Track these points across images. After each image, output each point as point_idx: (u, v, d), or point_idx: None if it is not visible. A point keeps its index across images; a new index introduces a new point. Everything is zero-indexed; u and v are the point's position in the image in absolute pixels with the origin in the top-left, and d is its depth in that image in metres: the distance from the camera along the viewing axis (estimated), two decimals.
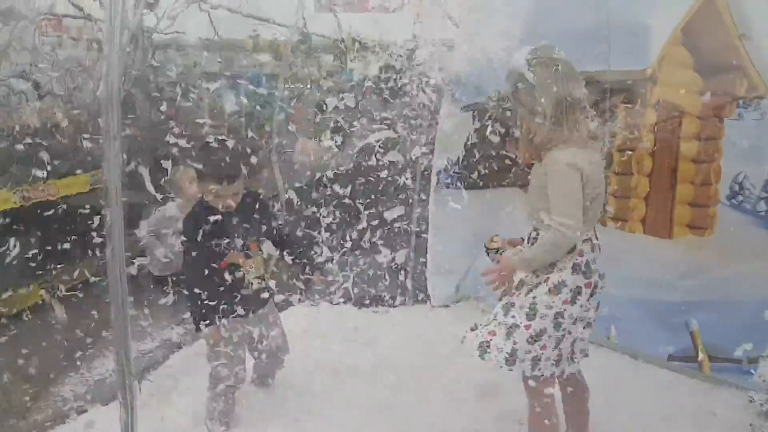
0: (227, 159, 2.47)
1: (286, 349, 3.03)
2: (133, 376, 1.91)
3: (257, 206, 2.71)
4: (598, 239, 2.37)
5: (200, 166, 2.50)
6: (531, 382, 2.40)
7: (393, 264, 4.41)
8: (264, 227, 2.72)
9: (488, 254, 2.52)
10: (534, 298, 2.30)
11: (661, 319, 3.43)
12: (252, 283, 2.61)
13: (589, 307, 2.37)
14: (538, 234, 2.30)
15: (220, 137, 2.51)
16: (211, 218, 2.52)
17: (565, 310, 2.27)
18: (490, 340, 2.37)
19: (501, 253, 2.44)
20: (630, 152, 3.55)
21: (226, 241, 2.58)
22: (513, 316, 2.33)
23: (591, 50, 3.52)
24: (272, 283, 2.71)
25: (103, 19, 1.65)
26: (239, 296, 2.61)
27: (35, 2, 3.25)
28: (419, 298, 4.44)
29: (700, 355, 3.28)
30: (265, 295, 2.70)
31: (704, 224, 3.35)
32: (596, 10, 3.43)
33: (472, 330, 2.48)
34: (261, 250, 2.68)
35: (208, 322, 2.60)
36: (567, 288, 2.26)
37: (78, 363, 3.54)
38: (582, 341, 2.48)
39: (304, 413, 2.98)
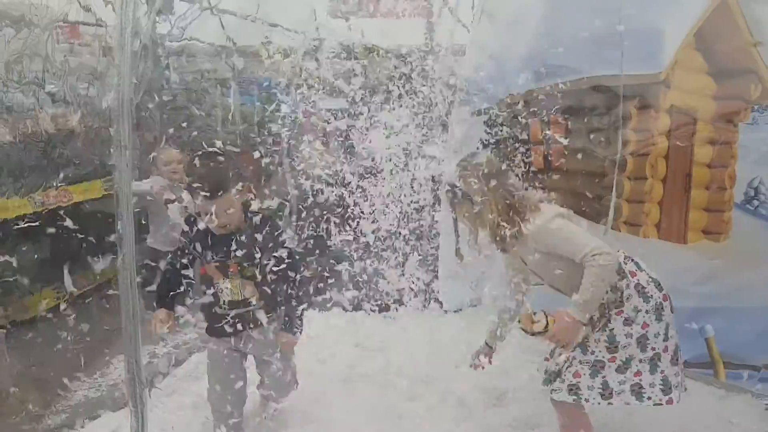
0: (215, 172, 2.32)
1: (288, 387, 2.84)
2: (143, 384, 1.92)
3: (264, 229, 2.52)
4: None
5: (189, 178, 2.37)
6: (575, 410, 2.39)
7: (404, 270, 4.39)
8: (263, 252, 2.51)
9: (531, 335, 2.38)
10: (612, 330, 2.31)
11: (676, 326, 3.38)
12: (224, 305, 2.53)
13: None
14: None
15: (211, 149, 2.40)
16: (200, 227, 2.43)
17: (647, 331, 2.31)
18: (578, 382, 2.36)
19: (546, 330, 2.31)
20: (644, 156, 3.52)
21: (212, 254, 2.48)
22: (593, 353, 2.34)
23: (604, 55, 3.50)
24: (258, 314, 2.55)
25: (115, 27, 1.66)
26: (212, 311, 2.55)
27: (47, 10, 3.28)
28: (431, 304, 4.42)
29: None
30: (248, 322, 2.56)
31: (719, 229, 3.30)
32: (609, 15, 3.41)
33: (553, 370, 2.48)
34: (241, 274, 2.50)
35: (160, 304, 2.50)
36: (642, 312, 2.30)
37: (90, 369, 3.56)
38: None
39: (315, 420, 2.97)
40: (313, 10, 6.09)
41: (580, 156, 3.84)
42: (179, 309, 2.51)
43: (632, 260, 2.42)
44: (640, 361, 2.32)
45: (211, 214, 2.32)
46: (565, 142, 3.85)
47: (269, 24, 6.24)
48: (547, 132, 3.91)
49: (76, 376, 3.48)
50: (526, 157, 4.04)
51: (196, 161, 2.33)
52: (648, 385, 2.32)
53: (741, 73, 3.12)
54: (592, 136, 3.76)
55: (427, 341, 3.81)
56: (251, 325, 2.57)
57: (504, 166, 2.45)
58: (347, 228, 4.09)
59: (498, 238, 2.38)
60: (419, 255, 4.44)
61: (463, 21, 4.84)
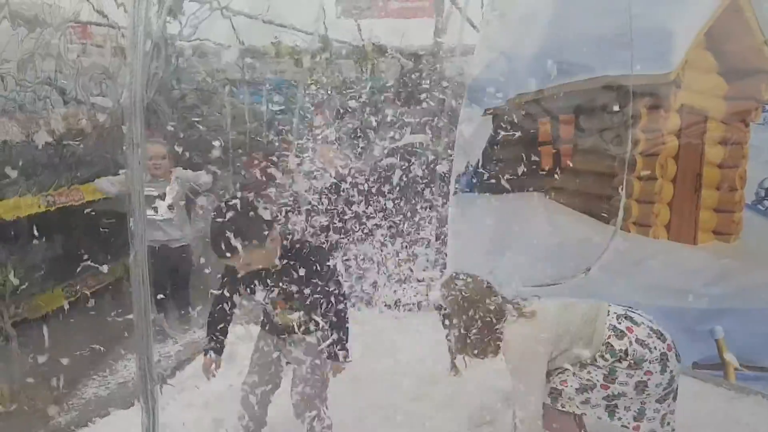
0: (224, 235, 2.17)
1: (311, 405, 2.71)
2: (154, 381, 1.93)
3: (310, 259, 2.42)
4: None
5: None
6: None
7: (412, 269, 4.39)
8: (311, 283, 2.41)
9: None
10: (614, 364, 2.31)
11: (686, 327, 3.37)
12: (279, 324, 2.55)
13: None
14: None
15: (224, 205, 2.23)
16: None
17: (649, 379, 2.30)
18: (562, 389, 2.38)
19: None
20: (653, 156, 3.51)
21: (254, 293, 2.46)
22: (589, 372, 2.34)
23: (614, 56, 3.49)
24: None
25: (127, 27, 1.68)
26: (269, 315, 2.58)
27: (60, 10, 3.30)
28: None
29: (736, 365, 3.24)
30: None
31: (729, 230, 3.29)
32: (619, 15, 3.40)
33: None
34: (290, 308, 2.49)
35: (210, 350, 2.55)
36: (647, 361, 2.29)
37: (101, 366, 3.59)
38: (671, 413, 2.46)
39: None
40: (323, 10, 6.11)
41: (589, 156, 3.83)
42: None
43: (626, 317, 2.38)
44: (631, 398, 2.33)
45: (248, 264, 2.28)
46: (574, 142, 3.85)
47: (278, 24, 6.26)
48: (557, 131, 3.90)
49: (87, 374, 3.51)
50: (536, 157, 4.03)
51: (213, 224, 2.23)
52: (623, 408, 2.35)
53: (752, 72, 3.11)
54: (601, 136, 3.75)
55: (434, 341, 3.80)
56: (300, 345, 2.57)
57: (485, 285, 2.52)
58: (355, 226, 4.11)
59: (477, 352, 2.50)
60: (428, 254, 4.45)
61: (473, 21, 4.84)
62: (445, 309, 2.51)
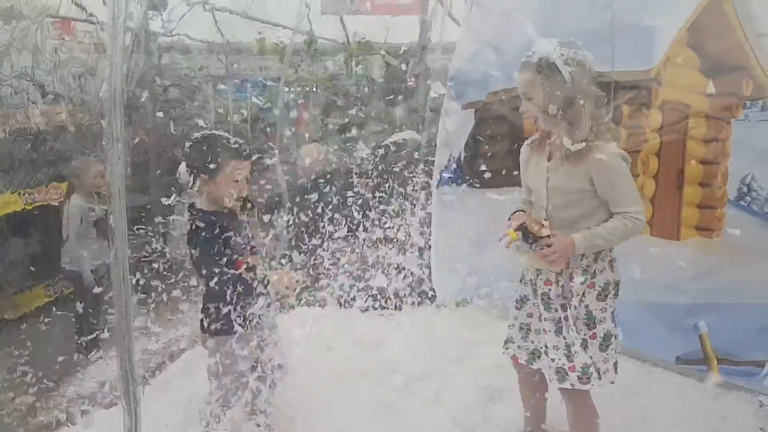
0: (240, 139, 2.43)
1: (283, 370, 2.73)
2: (136, 382, 1.89)
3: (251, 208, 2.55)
4: None
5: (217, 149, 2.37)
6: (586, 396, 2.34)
7: (398, 266, 4.38)
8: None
9: (529, 240, 2.26)
10: (587, 306, 2.27)
11: (670, 322, 3.39)
12: (267, 281, 2.40)
13: None
14: None
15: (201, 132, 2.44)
16: (217, 223, 2.37)
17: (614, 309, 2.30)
18: (563, 365, 2.30)
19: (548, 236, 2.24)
20: (635, 153, 3.53)
21: (237, 241, 2.42)
22: (573, 331, 2.28)
23: (596, 51, 3.49)
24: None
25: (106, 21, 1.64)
26: (254, 301, 2.44)
27: (37, 2, 3.23)
28: (425, 300, 4.40)
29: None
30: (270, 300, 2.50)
31: (712, 226, 3.31)
32: (602, 11, 3.41)
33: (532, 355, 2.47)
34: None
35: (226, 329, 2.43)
36: (611, 285, 2.28)
37: (82, 365, 3.53)
38: None
39: (310, 416, 2.95)
40: (307, 6, 6.08)
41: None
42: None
43: None
44: (616, 338, 2.29)
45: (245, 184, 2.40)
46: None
47: (261, 21, 6.22)
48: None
49: (68, 373, 3.46)
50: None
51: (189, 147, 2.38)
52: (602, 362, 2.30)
53: (733, 69, 3.13)
54: None
55: (422, 338, 3.81)
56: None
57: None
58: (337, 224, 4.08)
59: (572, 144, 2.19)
60: (412, 251, 4.43)
61: (456, 16, 4.84)
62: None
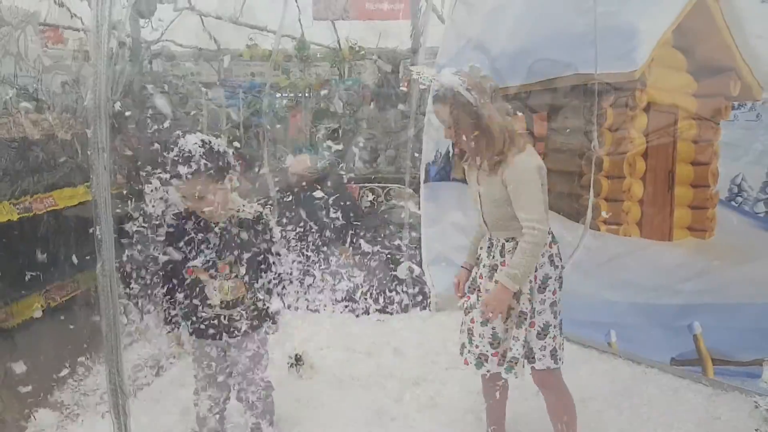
0: (184, 155, 2.26)
1: (266, 411, 2.70)
2: (125, 395, 1.87)
3: (256, 226, 2.49)
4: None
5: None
6: (550, 377, 2.48)
7: (392, 271, 4.37)
8: (247, 252, 2.47)
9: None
10: (529, 299, 2.40)
11: (663, 323, 3.39)
12: (214, 306, 2.46)
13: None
14: (501, 242, 2.45)
15: (192, 140, 2.30)
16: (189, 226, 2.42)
17: (558, 299, 2.44)
18: (486, 351, 2.47)
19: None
20: (621, 155, 3.54)
21: (200, 250, 2.43)
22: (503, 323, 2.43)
23: (583, 53, 3.51)
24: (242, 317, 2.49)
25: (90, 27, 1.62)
26: (202, 314, 2.48)
27: (18, 10, 3.20)
28: (419, 305, 4.39)
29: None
30: (239, 325, 2.49)
31: (704, 226, 3.31)
32: (586, 13, 3.42)
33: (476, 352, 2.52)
34: (231, 273, 2.46)
35: (170, 327, 2.53)
36: (551, 279, 2.42)
37: (73, 375, 3.50)
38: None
39: (304, 422, 2.95)
40: (298, 13, 6.09)
41: (558, 155, 3.86)
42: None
43: (552, 235, 2.49)
44: (554, 327, 2.43)
45: (195, 201, 2.32)
46: (545, 139, 3.88)
47: (249, 27, 6.22)
48: (530, 129, 3.93)
49: (59, 382, 3.42)
50: None
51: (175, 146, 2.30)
52: (560, 349, 2.46)
53: (721, 70, 3.13)
54: (569, 135, 3.77)
55: (416, 343, 3.79)
56: (239, 327, 2.51)
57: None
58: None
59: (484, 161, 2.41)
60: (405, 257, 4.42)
61: (443, 17, 4.85)
62: (458, 92, 2.37)
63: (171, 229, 2.45)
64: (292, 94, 6.73)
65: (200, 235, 2.42)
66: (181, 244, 2.42)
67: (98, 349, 3.42)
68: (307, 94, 6.65)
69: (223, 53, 6.63)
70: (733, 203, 3.18)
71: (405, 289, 4.26)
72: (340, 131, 6.19)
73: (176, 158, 2.25)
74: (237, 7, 5.93)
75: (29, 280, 3.66)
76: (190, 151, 2.25)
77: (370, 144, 6.01)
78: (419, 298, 4.36)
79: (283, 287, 2.57)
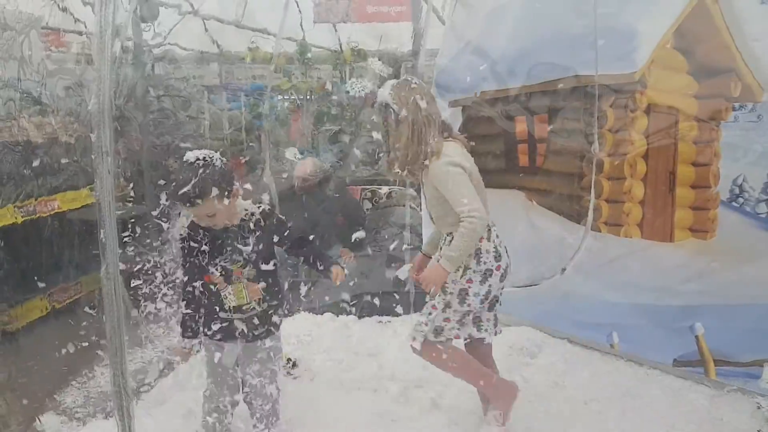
0: (190, 182, 2.27)
1: (271, 415, 2.71)
2: (130, 397, 1.88)
3: (261, 224, 2.54)
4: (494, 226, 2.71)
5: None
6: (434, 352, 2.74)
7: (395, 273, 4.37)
8: (265, 245, 2.54)
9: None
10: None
11: (665, 325, 3.39)
12: (229, 310, 2.51)
13: (500, 287, 2.72)
14: (444, 236, 2.71)
15: (191, 159, 2.33)
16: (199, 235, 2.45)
17: (469, 287, 2.62)
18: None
19: None
20: (622, 156, 3.54)
21: (214, 258, 2.48)
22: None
23: (583, 55, 3.52)
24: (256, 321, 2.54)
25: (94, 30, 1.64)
26: (217, 318, 2.53)
27: (21, 15, 3.22)
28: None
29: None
30: (257, 330, 2.55)
31: (705, 227, 3.31)
32: (586, 15, 3.42)
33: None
34: (244, 278, 2.51)
35: (189, 335, 2.55)
36: (470, 270, 2.61)
37: (78, 377, 3.51)
38: (488, 321, 2.82)
39: (307, 424, 2.95)
40: (300, 16, 6.09)
41: (559, 156, 3.86)
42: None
43: (489, 229, 2.66)
44: (454, 311, 2.66)
45: (204, 219, 2.40)
46: (546, 141, 3.88)
47: (252, 30, 6.23)
48: (530, 131, 3.93)
49: (64, 385, 3.43)
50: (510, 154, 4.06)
51: (178, 171, 2.34)
52: (447, 329, 2.71)
53: (721, 71, 3.14)
54: (569, 137, 3.77)
55: None
56: (256, 330, 2.57)
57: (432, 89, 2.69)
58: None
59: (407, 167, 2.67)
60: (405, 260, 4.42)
61: (443, 19, 4.85)
62: (390, 107, 2.64)
63: (184, 243, 2.49)
64: (293, 97, 6.74)
65: (214, 243, 2.47)
66: (196, 253, 2.46)
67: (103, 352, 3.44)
68: (308, 97, 6.66)
69: (224, 56, 6.65)
70: (734, 204, 3.18)
71: (407, 290, 4.25)
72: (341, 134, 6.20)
73: (182, 186, 2.27)
74: (239, 11, 5.94)
75: (33, 283, 3.68)
76: (195, 177, 2.28)
77: (371, 146, 6.01)
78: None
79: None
